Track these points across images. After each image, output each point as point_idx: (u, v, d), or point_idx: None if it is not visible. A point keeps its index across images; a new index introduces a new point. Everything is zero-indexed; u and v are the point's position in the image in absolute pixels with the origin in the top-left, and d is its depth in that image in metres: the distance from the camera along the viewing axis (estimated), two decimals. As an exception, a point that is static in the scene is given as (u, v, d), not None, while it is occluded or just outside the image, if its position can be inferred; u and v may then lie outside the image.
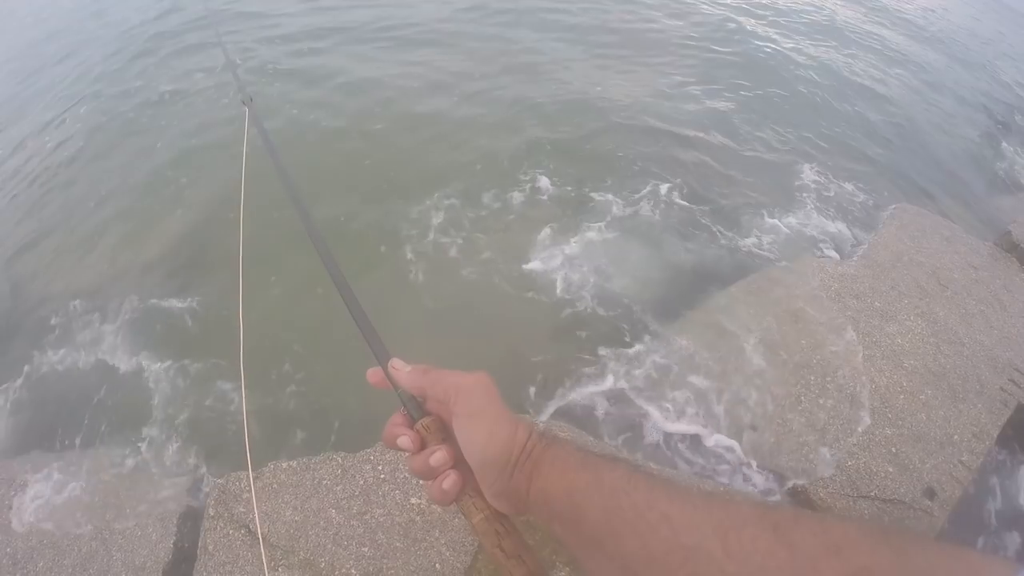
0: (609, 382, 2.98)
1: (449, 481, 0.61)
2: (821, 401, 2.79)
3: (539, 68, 6.15)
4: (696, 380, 2.93)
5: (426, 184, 4.26)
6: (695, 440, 2.74)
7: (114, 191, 4.56)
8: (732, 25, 7.88)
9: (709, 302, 3.38)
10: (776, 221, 4.20)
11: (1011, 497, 2.78)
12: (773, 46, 7.43)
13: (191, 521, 2.42)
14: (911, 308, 3.33)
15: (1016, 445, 2.91)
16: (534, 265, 3.66)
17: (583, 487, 0.54)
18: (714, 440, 2.71)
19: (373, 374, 0.69)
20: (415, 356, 0.68)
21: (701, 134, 5.14)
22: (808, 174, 4.81)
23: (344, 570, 2.07)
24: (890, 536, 0.41)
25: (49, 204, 4.64)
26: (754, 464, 2.62)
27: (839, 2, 10.21)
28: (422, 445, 0.63)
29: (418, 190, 4.20)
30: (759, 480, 2.59)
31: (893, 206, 4.41)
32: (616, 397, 2.93)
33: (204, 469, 2.72)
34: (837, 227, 4.25)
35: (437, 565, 2.09)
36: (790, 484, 2.54)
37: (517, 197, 4.19)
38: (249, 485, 2.31)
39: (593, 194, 4.26)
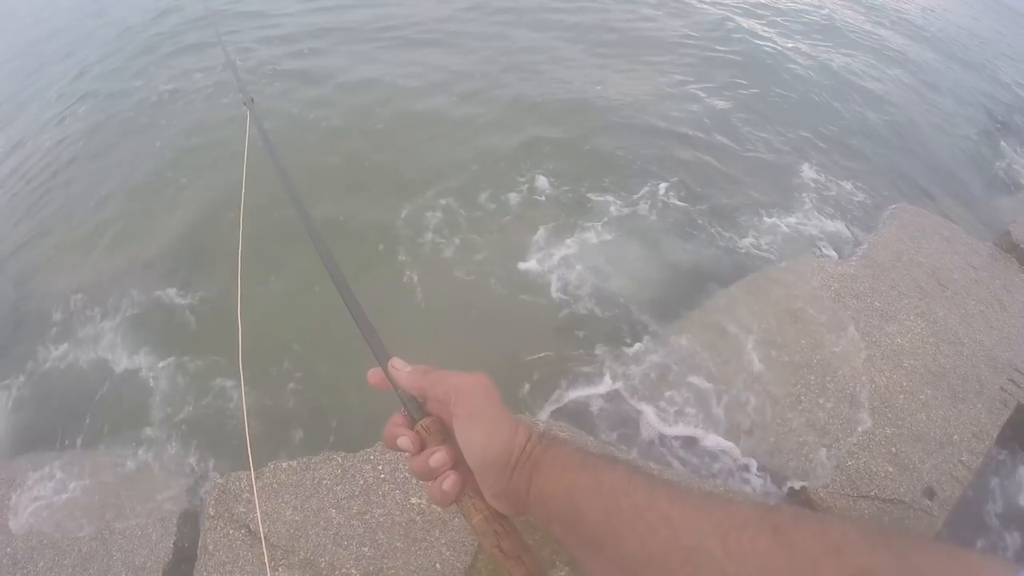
0: (608, 382, 2.98)
1: (449, 482, 0.61)
2: (821, 401, 2.79)
3: (539, 67, 6.15)
4: (696, 380, 2.93)
5: (424, 184, 4.26)
6: (695, 440, 2.74)
7: (114, 190, 4.56)
8: (732, 24, 7.88)
9: (708, 302, 3.38)
10: (775, 221, 4.20)
11: (1011, 497, 2.78)
12: (772, 45, 7.43)
13: (191, 521, 2.42)
14: (911, 308, 3.33)
15: (1016, 445, 2.92)
16: (532, 265, 3.66)
17: (583, 488, 0.54)
18: (713, 440, 2.71)
19: (374, 375, 0.69)
20: (413, 356, 0.68)
21: (700, 133, 5.14)
22: (808, 174, 4.81)
23: (344, 570, 2.07)
24: (890, 537, 0.41)
25: (49, 203, 4.65)
26: (754, 464, 2.62)
27: (839, 2, 10.22)
28: (422, 446, 0.64)
29: (416, 190, 4.20)
30: (759, 480, 2.59)
31: (893, 206, 4.41)
32: (615, 397, 2.93)
33: (204, 469, 2.72)
34: (837, 227, 4.25)
35: (437, 565, 2.09)
36: (790, 484, 2.54)
37: (515, 197, 4.19)
38: (249, 485, 2.31)
39: (592, 193, 4.26)
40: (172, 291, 3.59)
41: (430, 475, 0.62)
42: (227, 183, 4.26)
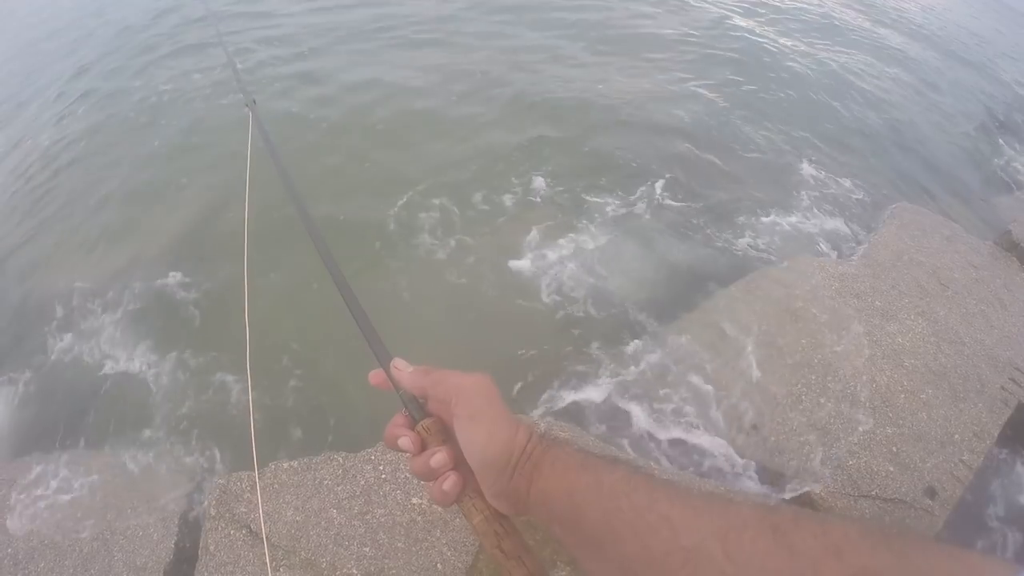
0: (607, 382, 2.97)
1: (449, 482, 0.61)
2: (821, 400, 2.79)
3: (538, 66, 6.15)
4: (695, 380, 2.93)
5: (423, 183, 4.26)
6: (695, 440, 2.74)
7: (114, 190, 4.56)
8: (731, 23, 7.88)
9: (708, 302, 3.37)
10: (775, 220, 4.20)
11: (1012, 496, 2.78)
12: (772, 44, 7.43)
13: (192, 521, 2.42)
14: (912, 307, 3.33)
15: (1017, 444, 2.92)
16: (531, 265, 3.66)
17: (583, 488, 0.54)
18: (714, 440, 2.71)
19: (375, 376, 0.69)
20: (411, 356, 0.69)
21: (699, 132, 5.14)
22: (808, 173, 4.81)
23: (345, 570, 2.08)
24: (890, 537, 0.41)
25: (50, 202, 4.65)
26: (754, 464, 2.62)
27: (838, 1, 10.21)
28: (423, 446, 0.64)
29: (415, 189, 4.20)
30: (759, 480, 2.59)
31: (893, 205, 4.41)
32: (615, 397, 2.93)
33: (205, 469, 2.72)
34: (837, 226, 4.25)
35: (438, 565, 2.09)
36: (791, 483, 2.54)
37: (512, 197, 4.19)
38: (250, 485, 2.31)
39: (591, 193, 4.26)
40: (173, 289, 3.59)
41: (431, 475, 0.62)
42: (227, 183, 4.26)
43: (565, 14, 7.59)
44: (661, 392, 2.90)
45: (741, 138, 5.19)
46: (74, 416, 3.02)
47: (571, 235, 3.87)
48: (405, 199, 4.12)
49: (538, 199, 4.19)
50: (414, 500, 2.25)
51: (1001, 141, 6.34)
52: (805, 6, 9.52)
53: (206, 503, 2.35)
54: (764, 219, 4.19)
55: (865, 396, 2.81)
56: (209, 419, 2.91)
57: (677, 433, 2.76)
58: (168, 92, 5.77)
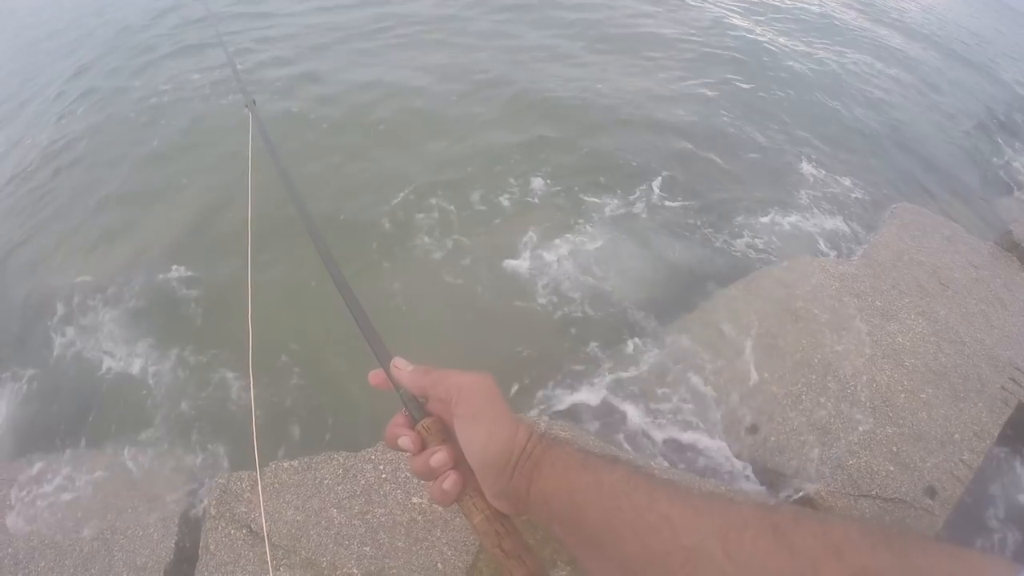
0: (606, 382, 2.97)
1: (449, 481, 0.61)
2: (822, 400, 2.79)
3: (538, 65, 6.15)
4: (695, 379, 2.93)
5: (422, 182, 4.26)
6: (694, 440, 2.74)
7: (114, 190, 4.56)
8: (731, 22, 7.88)
9: (707, 302, 3.37)
10: (775, 219, 4.20)
11: (1012, 496, 2.78)
12: (772, 44, 7.42)
13: (192, 521, 2.42)
14: (912, 307, 3.33)
15: (1017, 444, 2.92)
16: (530, 264, 3.66)
17: (583, 488, 0.54)
18: (714, 440, 2.71)
19: (375, 376, 0.69)
20: (410, 356, 0.69)
21: (699, 131, 5.14)
22: (807, 172, 4.81)
23: (346, 570, 2.08)
24: (891, 537, 0.41)
25: (50, 201, 4.64)
26: (755, 463, 2.62)
27: (838, 0, 10.21)
28: (423, 445, 0.64)
29: (414, 188, 4.20)
30: (759, 479, 2.59)
31: (894, 205, 4.41)
32: (614, 397, 2.92)
33: (206, 468, 2.72)
34: (837, 226, 4.25)
35: (439, 564, 2.09)
36: (790, 483, 2.54)
37: (513, 196, 4.19)
38: (250, 485, 2.31)
39: (590, 192, 4.25)
40: (174, 287, 3.60)
41: (431, 475, 0.62)
42: (226, 183, 4.26)
43: (565, 13, 7.59)
44: (660, 392, 2.90)
45: (741, 137, 5.19)
46: (75, 414, 3.02)
47: (575, 233, 3.87)
48: (405, 199, 4.12)
49: (538, 199, 4.19)
50: (414, 499, 2.25)
51: (1001, 141, 6.34)
52: (805, 5, 9.52)
53: (206, 502, 2.35)
54: (764, 218, 4.19)
55: (865, 396, 2.81)
56: (209, 418, 2.91)
57: (676, 433, 2.76)
58: (168, 92, 5.77)
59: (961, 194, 5.17)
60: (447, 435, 0.64)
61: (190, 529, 2.39)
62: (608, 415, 2.85)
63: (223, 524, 2.22)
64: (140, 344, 3.30)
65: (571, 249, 3.75)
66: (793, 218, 4.24)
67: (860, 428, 2.68)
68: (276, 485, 2.31)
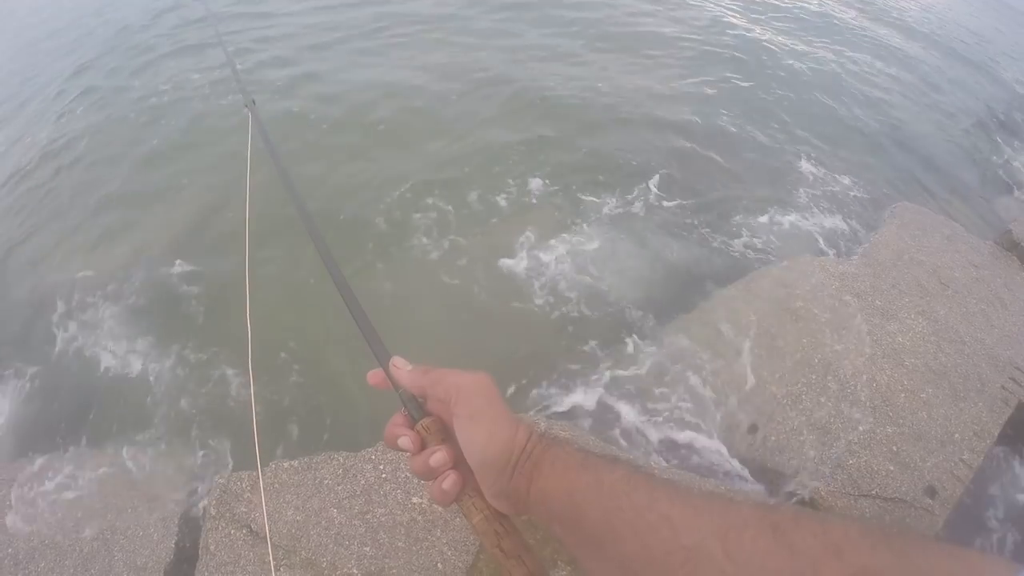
0: (604, 382, 2.97)
1: (449, 481, 0.61)
2: (821, 400, 2.79)
3: (538, 64, 6.15)
4: (694, 379, 2.93)
5: (421, 182, 4.25)
6: (694, 440, 2.74)
7: (114, 188, 4.56)
8: (730, 21, 7.88)
9: (706, 301, 3.37)
10: (775, 219, 4.19)
11: (1012, 496, 2.78)
12: (771, 42, 7.42)
13: (192, 521, 2.42)
14: (912, 306, 3.33)
15: (1018, 443, 2.91)
16: (527, 264, 3.65)
17: (583, 488, 0.54)
18: (713, 440, 2.71)
19: (374, 375, 0.69)
20: (409, 356, 0.68)
21: (698, 130, 5.14)
22: (807, 171, 4.81)
23: (346, 570, 2.08)
24: (891, 537, 0.41)
25: (50, 200, 4.64)
26: (754, 463, 2.62)
27: (838, 0, 10.20)
28: (422, 445, 0.64)
29: (414, 189, 4.20)
30: (759, 479, 2.59)
31: (894, 204, 4.41)
32: (612, 397, 2.92)
33: (206, 468, 2.72)
34: (837, 225, 4.24)
35: (439, 564, 2.09)
36: (791, 483, 2.54)
37: (509, 196, 4.18)
38: (250, 485, 2.31)
39: (589, 191, 4.25)
40: (174, 284, 3.60)
41: (430, 475, 0.62)
42: (226, 182, 4.26)
43: (565, 11, 7.59)
44: (658, 392, 2.90)
45: (740, 136, 5.19)
46: (75, 413, 3.02)
47: (574, 233, 3.86)
48: (404, 199, 4.12)
49: (539, 196, 4.18)
50: (414, 499, 2.25)
51: (1001, 140, 6.34)
52: (804, 4, 9.51)
53: (207, 502, 2.35)
54: (763, 217, 4.19)
55: (865, 395, 2.81)
56: (210, 417, 2.91)
57: (674, 433, 2.75)
58: (168, 92, 5.77)
59: (961, 193, 5.16)
60: (446, 435, 0.64)
61: (190, 529, 2.39)
62: (606, 415, 2.85)
63: (223, 524, 2.22)
64: (140, 341, 3.30)
65: (568, 249, 3.74)
66: (792, 217, 4.24)
67: (860, 428, 2.68)
68: (276, 485, 2.31)
